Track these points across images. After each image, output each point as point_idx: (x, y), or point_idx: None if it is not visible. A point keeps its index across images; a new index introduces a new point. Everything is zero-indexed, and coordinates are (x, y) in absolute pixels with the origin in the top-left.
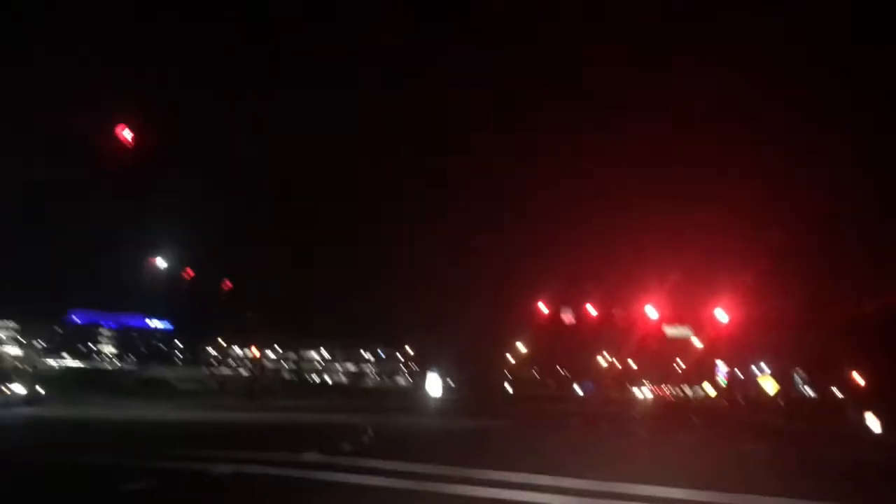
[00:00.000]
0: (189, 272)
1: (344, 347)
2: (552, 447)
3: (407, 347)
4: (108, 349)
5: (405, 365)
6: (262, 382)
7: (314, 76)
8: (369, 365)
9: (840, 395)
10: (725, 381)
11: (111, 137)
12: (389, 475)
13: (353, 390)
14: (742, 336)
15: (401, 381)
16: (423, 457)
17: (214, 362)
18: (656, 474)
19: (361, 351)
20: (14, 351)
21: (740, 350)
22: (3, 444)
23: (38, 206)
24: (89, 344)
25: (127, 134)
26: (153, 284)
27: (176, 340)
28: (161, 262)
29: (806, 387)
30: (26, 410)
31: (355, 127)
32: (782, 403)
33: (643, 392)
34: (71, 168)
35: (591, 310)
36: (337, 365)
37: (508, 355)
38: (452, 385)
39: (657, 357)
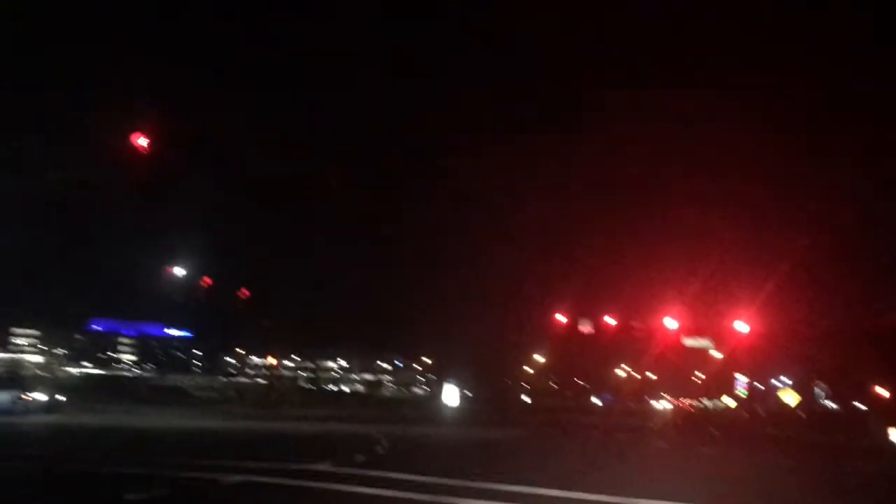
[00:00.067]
0: (206, 280)
1: (361, 357)
2: (569, 459)
3: (424, 357)
4: (128, 357)
5: (422, 375)
6: (278, 391)
7: (341, 80)
8: (386, 375)
9: (863, 408)
10: (746, 393)
11: (127, 145)
12: (401, 487)
13: (369, 400)
14: (762, 347)
15: (418, 391)
16: (436, 469)
17: (232, 371)
18: (676, 489)
19: (378, 361)
20: (35, 359)
21: (761, 362)
22: (14, 452)
23: (60, 216)
24: (109, 352)
25: (142, 141)
26: (171, 293)
27: (195, 349)
28: (179, 271)
29: (827, 400)
30: (46, 417)
31: (378, 133)
32: (804, 416)
33: (662, 404)
34: (90, 176)
35: (610, 321)
36: (354, 374)
37: (526, 366)
38: (469, 395)
39: (676, 368)
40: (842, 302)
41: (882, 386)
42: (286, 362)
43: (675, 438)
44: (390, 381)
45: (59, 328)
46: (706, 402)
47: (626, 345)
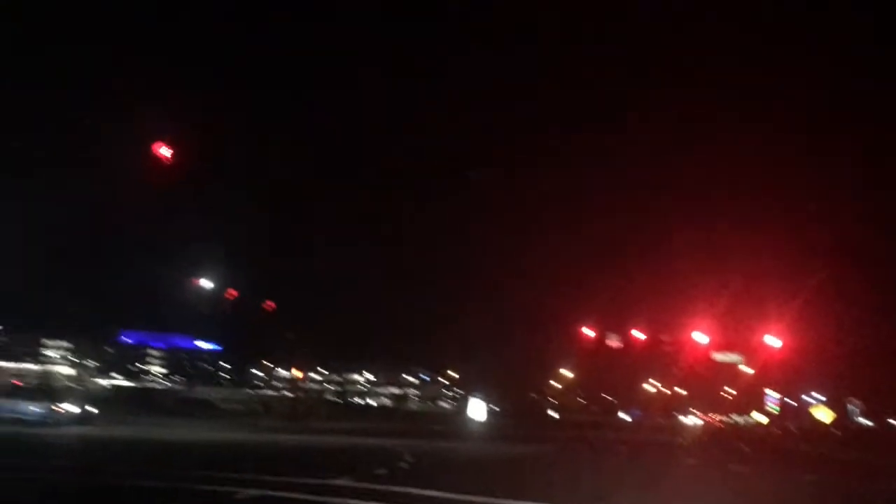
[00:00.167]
0: (232, 292)
1: (387, 371)
2: (596, 476)
3: (450, 371)
4: (157, 369)
5: (448, 389)
6: (304, 404)
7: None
8: (412, 388)
9: None
10: (777, 409)
11: (150, 156)
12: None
13: (395, 413)
14: (794, 363)
15: (444, 405)
16: (458, 485)
17: (259, 384)
18: None
19: (405, 374)
20: (66, 370)
21: (792, 377)
22: (44, 463)
23: (91, 228)
24: (138, 364)
25: (165, 151)
26: (198, 305)
27: (223, 361)
28: (206, 283)
29: (861, 417)
30: (78, 429)
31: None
32: (839, 433)
33: (691, 419)
34: (119, 189)
35: (638, 335)
36: (380, 388)
37: (553, 381)
38: (496, 410)
39: (706, 384)
40: (874, 317)
41: None
42: (313, 375)
43: (704, 455)
44: (416, 395)
45: (89, 340)
46: (736, 417)
47: (655, 359)
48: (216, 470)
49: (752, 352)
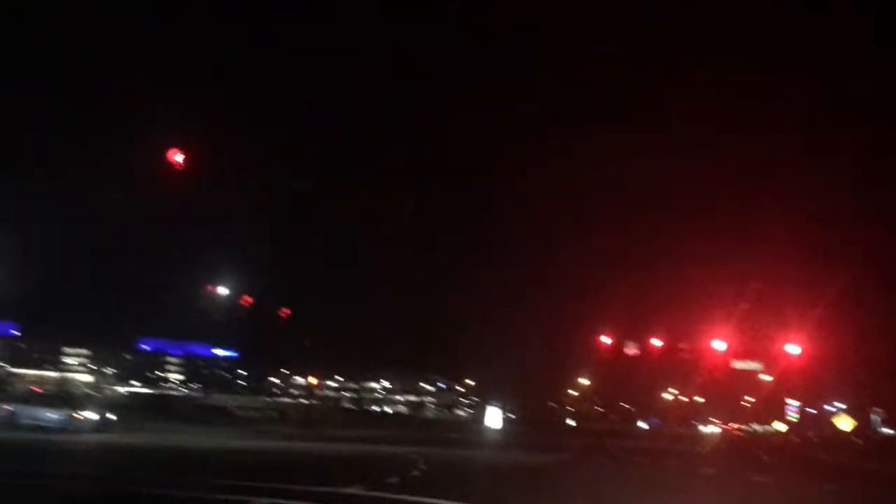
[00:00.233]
0: (247, 299)
1: (404, 378)
2: (612, 487)
3: (467, 380)
4: (175, 376)
5: (465, 397)
6: (320, 411)
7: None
8: (429, 396)
9: None
10: (797, 417)
11: (163, 163)
12: None
13: (411, 421)
14: (814, 371)
15: (460, 413)
16: (471, 494)
17: (276, 391)
18: None
19: (421, 382)
20: (84, 378)
21: (812, 386)
22: (64, 470)
23: (110, 237)
24: (156, 371)
25: (178, 158)
26: (213, 312)
27: (240, 369)
28: (221, 290)
29: (884, 427)
30: (97, 436)
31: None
32: (860, 442)
33: (710, 428)
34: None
35: (656, 342)
36: (397, 395)
37: (570, 389)
38: (512, 418)
39: (725, 392)
40: (892, 325)
41: None
42: (329, 383)
43: (723, 464)
44: (433, 403)
45: (108, 348)
46: (756, 426)
47: (673, 367)
48: (230, 478)
49: (771, 360)
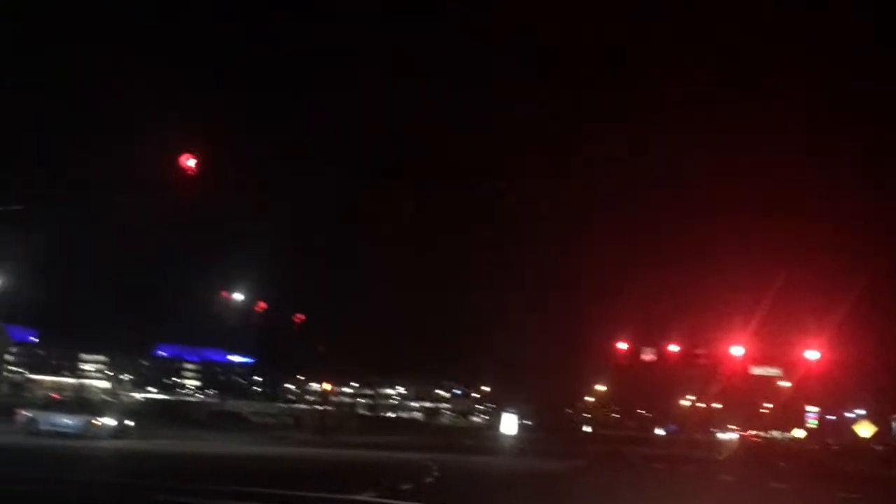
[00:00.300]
0: (261, 305)
1: (419, 384)
2: (631, 496)
3: (482, 386)
4: (191, 382)
5: (480, 403)
6: (334, 417)
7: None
8: (444, 403)
9: None
10: (816, 424)
11: (175, 168)
12: None
13: (427, 427)
14: (834, 377)
15: (476, 419)
16: (485, 501)
17: (291, 397)
18: None
19: (437, 389)
20: (102, 384)
21: (832, 392)
22: (80, 477)
23: (127, 244)
24: (173, 377)
25: (190, 162)
26: (227, 318)
27: (256, 375)
28: (237, 296)
29: None
30: (115, 442)
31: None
32: (880, 448)
33: (728, 435)
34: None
35: (673, 349)
36: (412, 402)
37: (587, 396)
38: (528, 424)
39: (743, 398)
40: None
41: None
42: (344, 389)
43: (741, 472)
44: (448, 409)
45: (125, 354)
46: (775, 433)
47: (691, 373)
48: (244, 484)
49: (790, 366)
